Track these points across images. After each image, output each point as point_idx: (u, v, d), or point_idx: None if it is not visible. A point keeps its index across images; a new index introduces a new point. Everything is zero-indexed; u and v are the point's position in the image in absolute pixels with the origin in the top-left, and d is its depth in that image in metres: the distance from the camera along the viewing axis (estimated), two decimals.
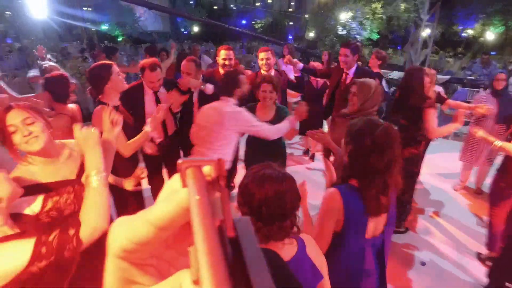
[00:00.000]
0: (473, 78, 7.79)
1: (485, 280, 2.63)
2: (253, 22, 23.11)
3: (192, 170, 0.23)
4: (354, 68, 3.30)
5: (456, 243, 3.24)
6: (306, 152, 5.21)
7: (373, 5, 10.71)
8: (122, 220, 0.27)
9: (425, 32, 9.85)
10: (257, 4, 23.60)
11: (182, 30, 24.33)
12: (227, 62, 3.42)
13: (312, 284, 1.13)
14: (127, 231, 0.25)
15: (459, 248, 3.17)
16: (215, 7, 25.55)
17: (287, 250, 1.10)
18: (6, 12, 11.06)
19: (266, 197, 1.01)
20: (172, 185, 0.26)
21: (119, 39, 19.49)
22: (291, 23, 21.63)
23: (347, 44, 3.29)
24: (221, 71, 3.50)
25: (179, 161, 0.23)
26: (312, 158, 4.98)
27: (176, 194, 0.23)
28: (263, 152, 2.61)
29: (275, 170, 1.08)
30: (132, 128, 2.34)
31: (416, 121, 2.95)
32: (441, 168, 4.77)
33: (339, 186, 1.43)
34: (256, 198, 1.02)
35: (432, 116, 2.85)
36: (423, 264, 2.94)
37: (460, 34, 15.84)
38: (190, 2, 24.23)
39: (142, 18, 20.69)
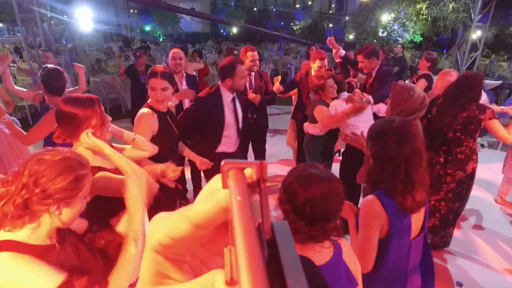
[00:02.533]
0: None
1: None
2: (292, 24, 22.94)
3: (234, 171, 0.23)
4: (376, 68, 3.35)
5: (499, 263, 2.96)
6: (338, 152, 5.05)
7: (418, 6, 10.16)
8: (161, 215, 0.28)
9: (475, 34, 9.17)
10: (297, 6, 23.41)
11: (222, 31, 24.82)
12: (257, 62, 3.49)
13: None
14: (166, 226, 0.26)
15: (501, 269, 2.89)
16: (255, 9, 25.75)
17: (324, 253, 1.09)
18: (64, 16, 12.14)
19: (312, 198, 1.00)
20: (212, 185, 0.26)
21: (161, 39, 20.28)
22: (330, 25, 21.21)
23: (359, 51, 3.41)
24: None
25: (222, 162, 0.24)
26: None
27: (216, 194, 0.24)
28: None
29: (321, 170, 1.06)
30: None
31: (473, 134, 2.78)
32: (485, 180, 4.41)
33: (376, 192, 1.40)
34: (300, 198, 1.01)
35: (498, 125, 2.67)
36: (459, 285, 2.71)
37: None
38: (231, 4, 24.63)
39: (183, 19, 21.38)
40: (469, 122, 2.71)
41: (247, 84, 3.53)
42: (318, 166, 1.09)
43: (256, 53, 3.49)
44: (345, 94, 3.08)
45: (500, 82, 7.48)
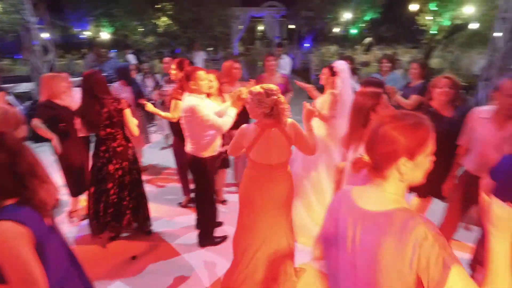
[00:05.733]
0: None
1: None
2: None
3: None
4: None
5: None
6: None
7: None
8: None
9: (42, 36, 9.08)
10: None
11: None
12: None
13: None
14: None
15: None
16: None
17: None
18: None
19: None
20: None
21: None
22: None
23: None
24: None
25: None
26: None
27: None
28: None
29: None
30: None
31: (120, 125, 3.03)
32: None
33: (1, 216, 1.20)
34: None
35: (129, 116, 3.02)
36: (133, 258, 3.12)
37: (79, 36, 16.18)
38: None
39: None
40: (112, 116, 2.94)
41: None
42: None
43: None
44: None
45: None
